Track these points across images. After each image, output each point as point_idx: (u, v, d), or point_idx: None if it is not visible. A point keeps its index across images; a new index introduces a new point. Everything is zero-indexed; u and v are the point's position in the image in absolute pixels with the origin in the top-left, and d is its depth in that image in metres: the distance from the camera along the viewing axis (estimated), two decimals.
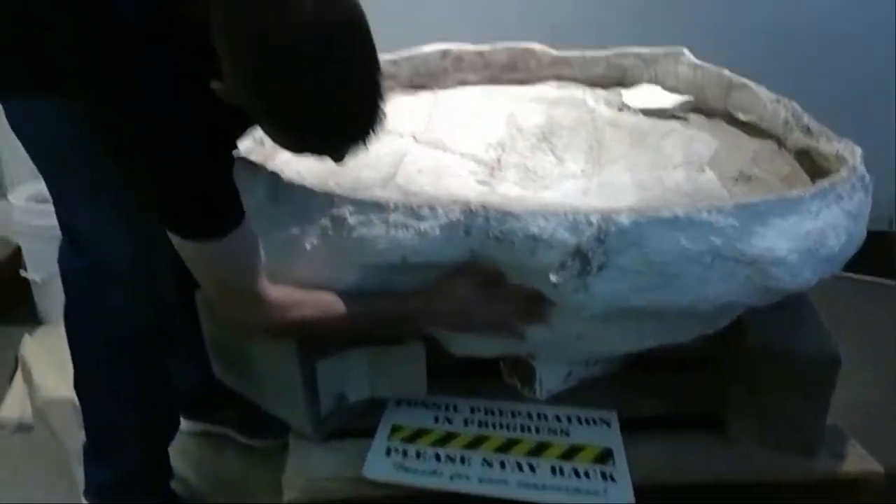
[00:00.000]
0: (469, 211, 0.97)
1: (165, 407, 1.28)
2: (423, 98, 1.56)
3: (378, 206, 1.00)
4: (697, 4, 2.21)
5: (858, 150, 1.16)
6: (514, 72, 1.76)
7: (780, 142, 1.37)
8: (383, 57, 1.76)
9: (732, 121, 1.49)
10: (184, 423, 1.52)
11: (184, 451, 1.46)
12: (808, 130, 1.29)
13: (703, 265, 0.95)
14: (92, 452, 1.24)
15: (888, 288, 2.15)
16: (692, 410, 1.28)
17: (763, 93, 1.40)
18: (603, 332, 1.07)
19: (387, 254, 1.00)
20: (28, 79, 1.02)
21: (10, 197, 1.87)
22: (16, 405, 1.56)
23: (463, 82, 1.77)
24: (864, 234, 1.10)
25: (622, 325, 1.05)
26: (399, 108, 1.49)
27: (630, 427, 1.24)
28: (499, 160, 1.34)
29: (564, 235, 0.95)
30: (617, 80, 1.67)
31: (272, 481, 1.16)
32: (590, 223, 0.95)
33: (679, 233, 0.94)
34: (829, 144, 1.23)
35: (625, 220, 0.94)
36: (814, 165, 1.28)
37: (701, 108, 1.54)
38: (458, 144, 1.36)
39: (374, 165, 1.25)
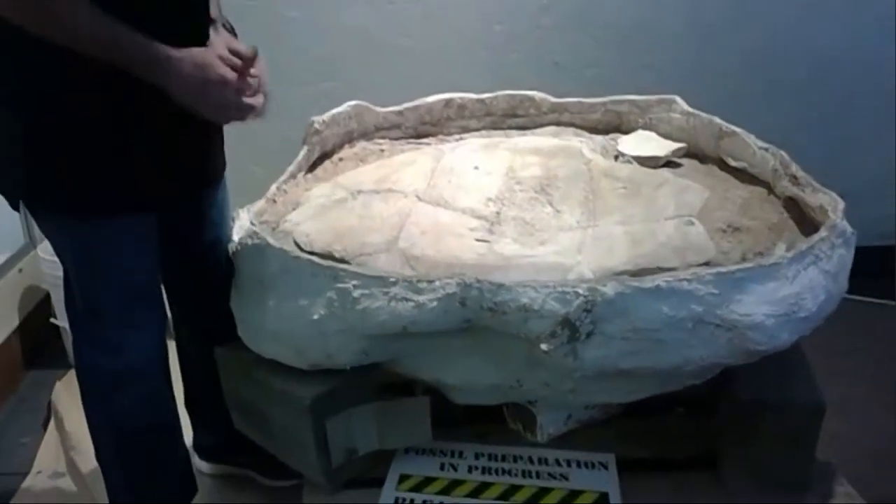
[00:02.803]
0: (464, 284, 1.04)
1: (184, 477, 1.37)
2: (427, 153, 1.63)
3: (380, 280, 1.07)
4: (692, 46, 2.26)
5: (841, 204, 1.21)
6: (515, 118, 1.83)
7: (769, 188, 1.43)
8: (390, 109, 1.85)
9: (724, 166, 1.54)
10: (207, 467, 1.62)
11: (208, 493, 1.54)
12: (795, 180, 1.34)
13: (686, 331, 1.01)
14: None
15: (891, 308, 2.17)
16: (687, 452, 1.33)
17: (752, 140, 1.46)
18: (595, 388, 1.14)
19: (388, 325, 1.07)
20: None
21: (38, 251, 1.96)
22: (50, 453, 1.66)
23: (465, 129, 1.85)
24: (846, 287, 1.16)
25: (613, 382, 1.11)
26: (404, 165, 1.56)
27: (627, 468, 1.30)
28: (498, 214, 1.40)
29: (554, 306, 1.01)
30: (614, 125, 1.73)
31: None
32: (577, 294, 1.01)
33: (661, 302, 1.00)
34: (814, 196, 1.28)
35: (610, 291, 1.00)
36: (801, 213, 1.33)
37: (695, 153, 1.60)
38: (458, 200, 1.43)
39: (379, 228, 1.32)
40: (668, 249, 1.23)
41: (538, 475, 1.27)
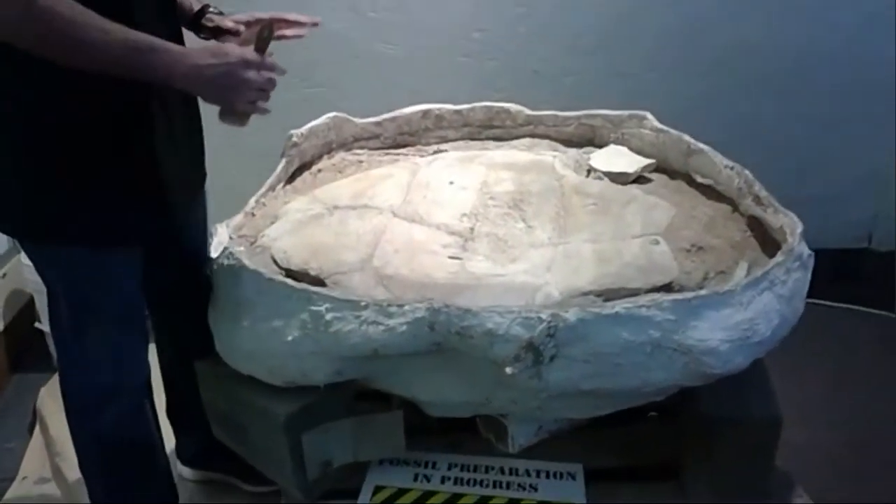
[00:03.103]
0: (433, 309, 1.08)
1: (165, 487, 1.41)
2: (403, 167, 1.66)
3: (352, 304, 1.11)
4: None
5: (799, 227, 1.26)
6: (491, 129, 1.86)
7: (734, 205, 1.47)
8: (368, 120, 1.88)
9: (692, 182, 1.58)
10: (190, 473, 1.66)
11: (190, 499, 1.58)
12: (758, 200, 1.39)
13: (644, 354, 1.06)
14: None
15: (863, 315, 2.22)
16: (653, 460, 1.39)
17: (718, 159, 1.50)
18: (561, 405, 1.18)
19: (359, 347, 1.11)
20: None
21: (21, 256, 1.99)
22: (35, 458, 1.69)
23: (443, 139, 1.88)
24: (801, 309, 1.21)
25: (577, 400, 1.15)
26: (380, 179, 1.59)
27: (595, 478, 1.35)
28: (472, 230, 1.44)
29: (518, 331, 1.05)
30: (587, 139, 1.77)
31: None
32: (541, 319, 1.05)
33: (621, 327, 1.05)
34: (775, 217, 1.33)
35: (572, 316, 1.04)
36: (764, 232, 1.38)
37: (665, 168, 1.64)
38: (433, 216, 1.47)
39: (354, 246, 1.35)
40: (633, 269, 1.27)
41: (509, 486, 1.32)
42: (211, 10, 1.35)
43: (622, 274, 1.26)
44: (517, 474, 1.34)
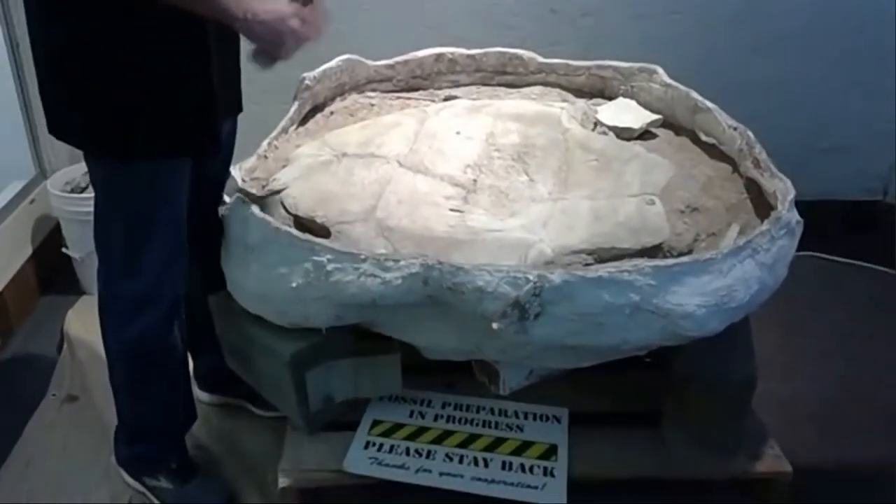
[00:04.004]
0: (427, 265, 1.14)
1: (184, 406, 1.52)
2: (412, 115, 1.69)
3: (351, 256, 1.18)
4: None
5: (791, 193, 1.28)
6: (504, 75, 1.88)
7: (735, 166, 1.49)
8: (381, 63, 1.90)
9: (697, 140, 1.60)
10: (206, 396, 1.78)
11: (205, 420, 1.70)
12: (756, 162, 1.41)
13: (624, 315, 1.12)
14: (121, 434, 1.49)
15: (866, 270, 2.24)
16: (635, 408, 1.47)
17: (723, 118, 1.51)
18: (547, 357, 1.25)
19: (358, 297, 1.18)
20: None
21: (48, 184, 2.07)
22: (63, 378, 1.82)
23: (456, 83, 1.90)
24: (784, 274, 1.25)
25: (562, 353, 1.23)
26: (388, 128, 1.63)
27: (579, 423, 1.44)
28: (475, 182, 1.48)
29: (506, 289, 1.12)
30: (598, 89, 1.78)
31: (277, 448, 1.39)
32: (527, 279, 1.11)
33: (603, 290, 1.10)
34: (771, 181, 1.35)
35: (557, 278, 1.10)
36: (760, 194, 1.40)
37: (672, 124, 1.66)
38: (438, 167, 1.51)
39: (359, 196, 1.41)
40: (626, 230, 1.32)
41: (496, 426, 1.41)
42: None
43: (614, 234, 1.31)
44: (505, 415, 1.44)
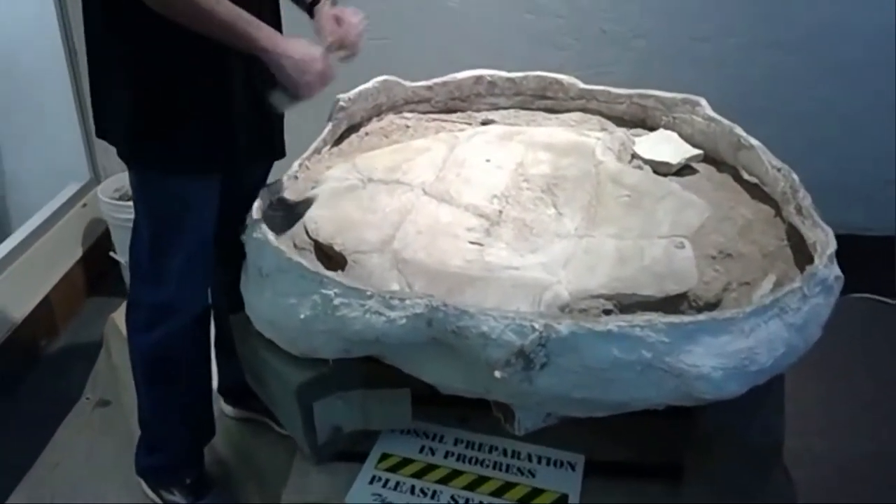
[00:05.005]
0: (431, 306, 1.11)
1: (203, 420, 1.54)
2: (443, 140, 1.66)
3: (358, 292, 1.16)
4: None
5: (831, 247, 1.20)
6: (543, 100, 1.83)
7: (777, 210, 1.41)
8: (419, 84, 1.88)
9: (739, 178, 1.52)
10: (231, 410, 1.80)
11: (227, 433, 1.72)
12: (798, 209, 1.32)
13: (634, 372, 1.06)
14: (142, 441, 1.52)
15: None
16: (655, 458, 1.39)
17: (767, 158, 1.42)
18: (557, 406, 1.21)
19: (363, 333, 1.16)
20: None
21: (98, 191, 2.14)
22: (99, 382, 1.87)
23: (495, 106, 1.86)
24: (817, 335, 1.16)
25: (572, 404, 1.17)
26: (418, 153, 1.61)
27: (595, 470, 1.38)
28: (500, 213, 1.45)
29: (511, 337, 1.07)
30: (639, 119, 1.71)
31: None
32: (533, 328, 1.07)
33: (612, 344, 1.05)
34: (812, 230, 1.26)
35: (564, 329, 1.05)
36: (801, 243, 1.32)
37: (714, 159, 1.58)
38: (463, 196, 1.47)
39: (378, 225, 1.39)
40: (650, 275, 1.25)
41: (507, 468, 1.37)
42: None
43: (637, 279, 1.25)
44: (518, 458, 1.39)
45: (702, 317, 1.05)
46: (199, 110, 1.30)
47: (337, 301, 1.17)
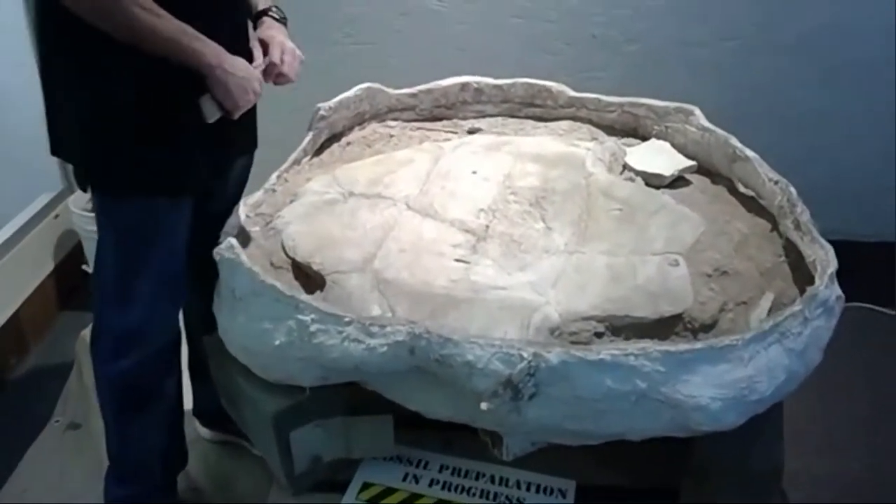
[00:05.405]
0: (413, 334, 1.05)
1: (176, 447, 1.47)
2: (427, 151, 1.60)
3: (336, 318, 1.09)
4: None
5: (832, 266, 1.14)
6: (532, 107, 1.77)
7: (774, 224, 1.35)
8: (403, 91, 1.82)
9: (734, 190, 1.46)
10: (207, 433, 1.73)
11: (203, 457, 1.65)
12: (797, 224, 1.27)
13: (629, 403, 1.00)
14: (111, 472, 1.45)
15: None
16: (650, 483, 1.34)
17: (764, 170, 1.37)
18: (547, 435, 1.15)
19: (340, 362, 1.10)
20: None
21: (70, 202, 2.06)
22: (69, 403, 1.80)
23: (482, 114, 1.80)
24: (818, 360, 1.11)
25: (563, 434, 1.11)
26: (401, 165, 1.54)
27: (587, 496, 1.32)
28: (486, 228, 1.38)
29: (497, 366, 1.01)
30: (630, 128, 1.65)
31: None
32: (521, 357, 1.00)
33: (605, 374, 0.99)
34: (811, 247, 1.21)
35: (554, 359, 0.99)
36: (799, 258, 1.26)
37: (708, 170, 1.52)
38: (448, 210, 1.41)
39: (359, 242, 1.32)
40: (643, 295, 1.20)
41: (496, 497, 1.31)
42: (271, 13, 1.40)
43: (629, 299, 1.19)
44: (507, 485, 1.33)
45: (699, 344, 0.99)
46: (160, 127, 1.22)
47: (313, 327, 1.10)
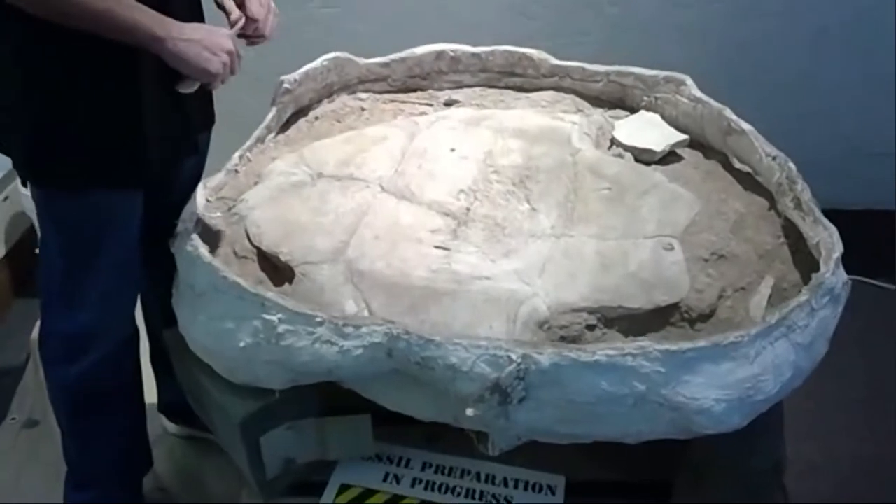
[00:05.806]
0: (392, 335, 0.96)
1: (137, 452, 1.37)
2: (401, 127, 1.49)
3: (306, 318, 1.00)
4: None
5: (837, 250, 1.07)
6: (512, 77, 1.66)
7: (772, 201, 1.28)
8: (374, 61, 1.70)
9: (729, 166, 1.38)
10: (173, 428, 1.64)
11: (170, 454, 1.56)
12: (798, 202, 1.19)
13: (626, 406, 0.93)
14: (70, 478, 1.36)
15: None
16: (643, 476, 1.28)
17: (760, 144, 1.29)
18: (540, 437, 1.07)
19: (311, 366, 1.01)
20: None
21: (19, 183, 1.92)
22: (25, 399, 1.69)
23: (459, 84, 1.69)
24: (823, 351, 1.04)
25: (555, 437, 1.04)
26: (373, 143, 1.43)
27: (577, 492, 1.26)
28: (467, 210, 1.29)
29: (484, 369, 0.93)
30: (617, 98, 1.56)
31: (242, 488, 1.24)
32: (510, 359, 0.92)
33: (600, 376, 0.91)
34: (814, 228, 1.14)
35: (545, 360, 0.91)
36: (799, 239, 1.19)
37: (701, 143, 1.44)
38: (426, 192, 1.31)
39: (330, 230, 1.22)
40: (636, 283, 1.12)
41: (482, 496, 1.23)
42: None
43: (622, 288, 1.11)
44: (493, 482, 1.26)
45: (702, 342, 0.91)
46: (98, 116, 1.12)
47: (281, 328, 1.01)
